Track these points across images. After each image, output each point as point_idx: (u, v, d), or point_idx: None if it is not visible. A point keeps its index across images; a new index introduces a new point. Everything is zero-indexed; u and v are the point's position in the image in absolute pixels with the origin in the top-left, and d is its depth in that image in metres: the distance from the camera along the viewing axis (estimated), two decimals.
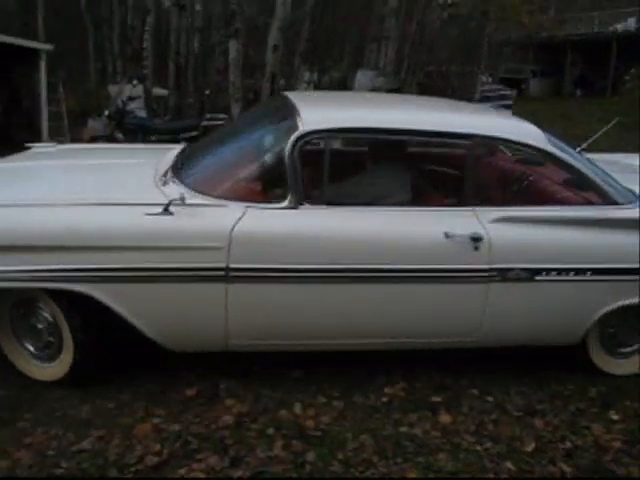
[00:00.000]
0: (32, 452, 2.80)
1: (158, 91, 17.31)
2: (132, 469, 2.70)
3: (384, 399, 3.34)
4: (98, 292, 3.02)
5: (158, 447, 2.84)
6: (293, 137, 3.12)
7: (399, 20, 18.64)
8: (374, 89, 13.73)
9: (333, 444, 2.94)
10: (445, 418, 3.19)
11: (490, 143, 3.59)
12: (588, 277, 3.31)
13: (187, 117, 12.89)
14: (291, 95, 3.94)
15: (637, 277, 3.35)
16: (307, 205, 3.13)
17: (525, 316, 3.41)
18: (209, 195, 3.16)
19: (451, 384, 3.52)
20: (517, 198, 3.66)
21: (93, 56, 24.25)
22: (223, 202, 3.12)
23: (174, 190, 3.14)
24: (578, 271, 3.29)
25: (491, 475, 2.81)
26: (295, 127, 3.17)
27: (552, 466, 2.88)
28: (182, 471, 2.71)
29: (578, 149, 4.65)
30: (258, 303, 3.14)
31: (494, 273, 3.22)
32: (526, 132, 3.48)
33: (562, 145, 3.55)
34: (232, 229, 3.00)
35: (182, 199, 2.99)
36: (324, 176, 3.18)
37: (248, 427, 3.01)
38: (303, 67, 14.71)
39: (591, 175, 3.43)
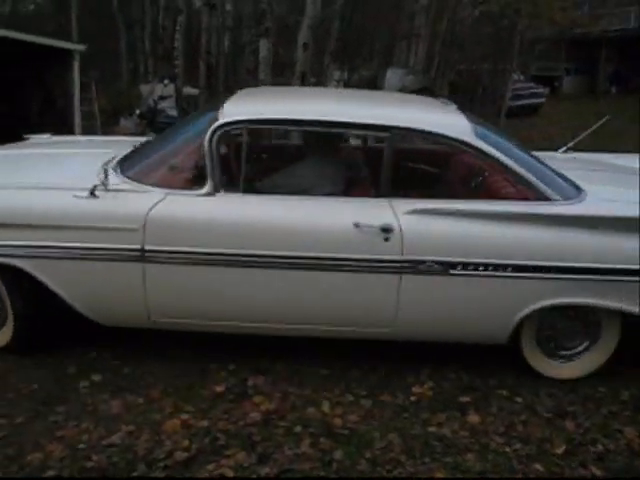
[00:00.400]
0: (64, 445, 2.85)
1: (189, 90, 17.44)
2: (161, 464, 2.73)
3: (412, 398, 3.32)
4: (32, 268, 3.32)
5: (187, 443, 2.86)
6: (212, 128, 3.32)
7: (429, 18, 18.52)
8: (403, 88, 13.65)
9: (361, 443, 2.93)
10: (474, 418, 3.17)
11: (409, 135, 3.53)
12: (509, 274, 3.22)
13: None
14: (241, 91, 4.15)
15: (566, 276, 3.25)
16: (223, 192, 3.31)
17: (442, 310, 3.37)
18: (140, 182, 3.42)
19: (480, 385, 3.49)
20: (438, 190, 3.57)
21: (125, 56, 24.56)
22: (148, 188, 3.37)
23: (111, 178, 3.36)
24: (497, 267, 3.22)
25: (520, 476, 2.78)
26: (215, 119, 3.36)
27: (583, 469, 2.84)
28: (210, 467, 2.73)
29: (564, 148, 4.64)
30: (173, 284, 3.32)
31: (406, 265, 3.21)
32: (447, 124, 3.46)
33: (495, 139, 3.54)
34: (147, 213, 3.23)
35: (104, 184, 3.27)
36: (242, 165, 3.34)
37: (276, 424, 3.02)
38: (333, 66, 14.68)
39: (520, 170, 3.33)
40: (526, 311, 3.32)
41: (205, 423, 3.01)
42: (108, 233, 3.24)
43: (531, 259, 3.22)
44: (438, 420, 3.14)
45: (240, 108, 3.55)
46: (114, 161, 3.73)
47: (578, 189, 3.50)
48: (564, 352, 3.58)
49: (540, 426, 3.13)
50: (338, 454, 2.84)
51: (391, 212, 3.24)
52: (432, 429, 3.07)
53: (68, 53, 12.96)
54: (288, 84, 11.97)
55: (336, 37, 13.13)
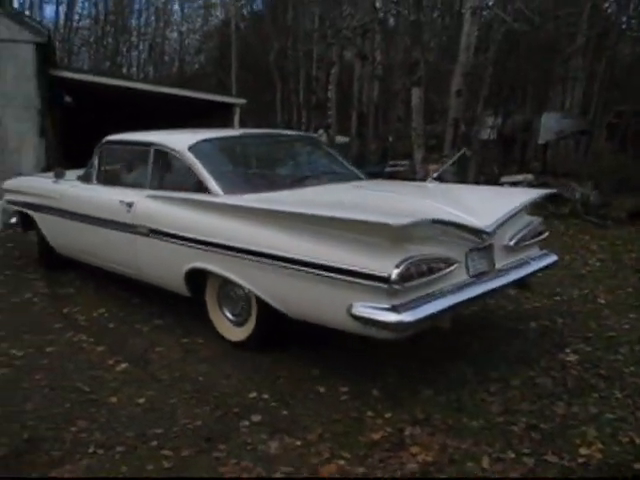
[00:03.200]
0: None
1: (339, 139, 17.95)
2: None
3: (579, 460, 3.08)
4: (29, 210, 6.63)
5: None
6: (97, 145, 5.79)
7: (586, 59, 17.84)
8: (560, 131, 13.17)
9: None
10: None
11: (156, 148, 5.04)
12: (174, 241, 4.53)
13: (369, 165, 13.22)
14: None
15: (202, 246, 4.30)
16: (96, 183, 5.69)
17: (154, 262, 4.89)
18: (78, 179, 5.99)
19: None
20: (169, 184, 4.95)
21: (280, 107, 25.73)
22: (75, 180, 6.01)
23: (69, 176, 6.22)
24: (167, 234, 4.59)
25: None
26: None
27: None
28: None
29: (430, 178, 5.86)
30: (68, 231, 5.93)
31: (135, 228, 4.90)
32: (176, 142, 4.97)
33: (206, 153, 4.81)
34: (64, 190, 5.94)
35: (58, 177, 6.19)
36: (101, 168, 5.71)
37: (434, 477, 2.93)
38: (485, 112, 14.48)
39: (203, 172, 4.57)
40: (185, 268, 4.51)
41: (361, 470, 2.98)
42: (54, 200, 5.98)
43: (185, 231, 4.44)
44: None
45: (112, 135, 5.75)
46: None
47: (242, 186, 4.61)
48: (233, 317, 4.52)
49: None
50: None
51: (141, 196, 4.93)
52: None
53: (230, 106, 13.92)
54: (439, 131, 11.97)
55: (489, 83, 12.98)
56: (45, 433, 3.35)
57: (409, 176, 10.72)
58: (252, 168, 5.36)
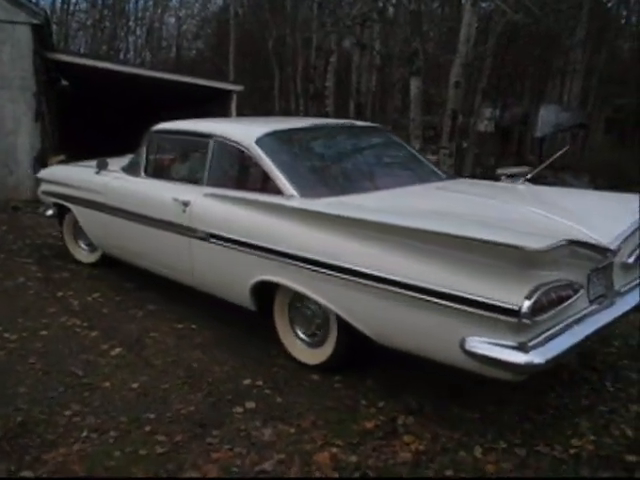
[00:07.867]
0: (218, 467, 2.93)
1: None
2: None
3: (571, 451, 3.09)
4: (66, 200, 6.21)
5: (336, 476, 2.86)
6: (146, 134, 5.24)
7: (586, 52, 17.82)
8: (558, 125, 13.14)
9: None
10: None
11: (218, 139, 4.49)
12: (240, 249, 3.95)
13: None
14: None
15: (274, 256, 3.74)
16: (144, 176, 5.14)
17: (213, 270, 4.35)
18: (120, 170, 5.46)
19: None
20: (229, 181, 4.45)
21: (278, 95, 25.64)
22: (118, 172, 5.47)
23: (112, 168, 5.63)
24: (234, 242, 4.00)
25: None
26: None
27: None
28: None
29: (522, 179, 5.20)
30: (114, 227, 5.35)
31: (190, 231, 4.35)
32: (242, 134, 4.41)
33: (277, 148, 4.24)
34: (107, 182, 5.43)
35: (100, 169, 5.66)
36: (150, 161, 5.16)
37: (426, 466, 2.94)
38: (484, 104, 14.44)
39: (273, 170, 4.00)
40: (252, 281, 3.95)
41: (354, 458, 2.98)
42: (96, 193, 5.49)
43: (254, 238, 3.87)
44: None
45: (160, 124, 5.23)
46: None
47: (332, 191, 3.95)
48: (308, 338, 3.99)
49: None
50: None
51: (197, 193, 4.39)
52: None
53: (227, 92, 13.90)
54: (437, 122, 11.94)
55: (488, 74, 12.94)
56: (38, 416, 3.35)
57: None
58: (328, 165, 4.56)
